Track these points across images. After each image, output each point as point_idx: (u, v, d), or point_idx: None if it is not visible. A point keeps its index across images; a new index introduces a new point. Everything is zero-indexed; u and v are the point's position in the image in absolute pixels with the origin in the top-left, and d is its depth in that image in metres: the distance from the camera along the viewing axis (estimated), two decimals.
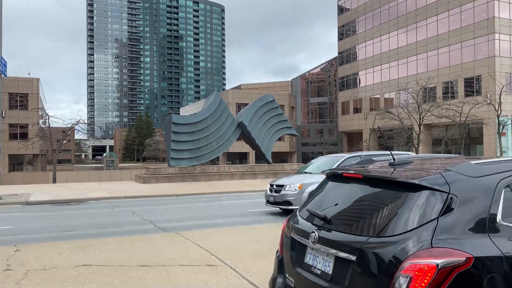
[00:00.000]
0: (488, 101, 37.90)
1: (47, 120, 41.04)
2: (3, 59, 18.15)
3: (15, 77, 50.70)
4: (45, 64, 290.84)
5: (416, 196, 2.54)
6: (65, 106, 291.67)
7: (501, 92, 36.31)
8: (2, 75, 18.08)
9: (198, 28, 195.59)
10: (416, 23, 49.98)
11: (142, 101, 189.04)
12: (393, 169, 3.05)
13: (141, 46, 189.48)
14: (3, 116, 44.37)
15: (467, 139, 43.32)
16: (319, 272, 2.82)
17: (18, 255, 7.06)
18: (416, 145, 37.97)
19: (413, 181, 2.59)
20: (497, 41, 41.72)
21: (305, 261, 3.00)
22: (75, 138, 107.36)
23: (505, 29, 42.00)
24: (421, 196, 2.52)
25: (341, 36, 63.62)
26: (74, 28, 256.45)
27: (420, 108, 37.19)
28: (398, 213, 2.52)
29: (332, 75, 72.56)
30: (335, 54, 66.03)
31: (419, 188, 2.55)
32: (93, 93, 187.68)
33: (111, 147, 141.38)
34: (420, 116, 37.00)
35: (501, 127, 36.83)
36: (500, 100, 36.03)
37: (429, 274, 2.25)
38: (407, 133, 40.82)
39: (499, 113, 36.03)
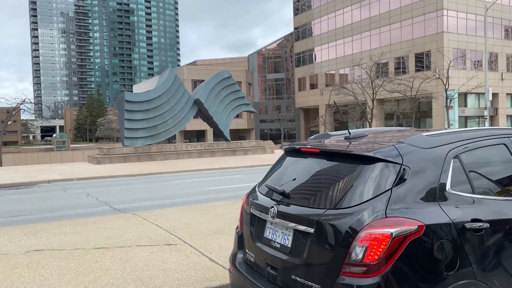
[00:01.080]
0: (437, 76, 39.56)
1: None
2: None
3: None
4: None
5: (370, 168, 2.60)
6: (8, 84, 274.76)
7: (448, 67, 37.97)
8: None
9: (150, 2, 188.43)
10: None
11: (92, 79, 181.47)
12: (348, 142, 3.11)
13: (90, 21, 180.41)
14: None
15: (417, 113, 45.23)
16: (278, 245, 2.86)
17: None
18: (369, 120, 39.20)
19: (368, 154, 2.65)
20: (445, 17, 43.28)
21: (265, 236, 3.03)
22: (21, 118, 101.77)
23: (453, 5, 43.59)
24: (375, 168, 2.59)
25: (296, 11, 63.53)
26: (14, 1, 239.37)
27: (373, 83, 38.24)
28: (354, 185, 2.59)
29: (288, 51, 72.69)
30: (291, 29, 66.06)
31: (373, 160, 2.62)
32: (39, 70, 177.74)
33: (61, 128, 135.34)
34: (373, 91, 38.09)
35: (448, 101, 38.68)
36: (448, 75, 37.70)
37: (384, 243, 2.34)
38: (361, 108, 42.01)
39: (447, 87, 37.75)
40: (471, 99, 46.45)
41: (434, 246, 2.42)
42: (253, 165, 21.69)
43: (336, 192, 2.67)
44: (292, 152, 3.37)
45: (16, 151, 59.84)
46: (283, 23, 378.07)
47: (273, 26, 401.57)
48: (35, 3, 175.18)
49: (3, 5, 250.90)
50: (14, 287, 4.67)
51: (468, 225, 2.55)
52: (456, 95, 41.17)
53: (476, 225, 2.57)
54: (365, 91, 38.40)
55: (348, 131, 3.36)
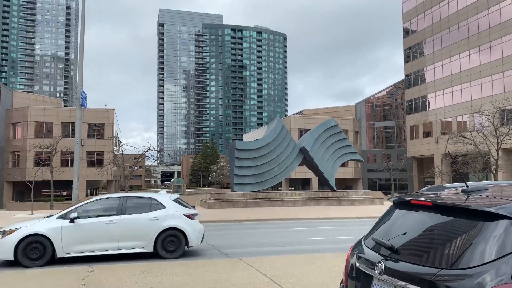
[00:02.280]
0: None
1: (121, 147, 43.73)
2: (84, 92, 19.83)
3: (93, 108, 55.07)
4: (119, 95, 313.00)
5: (493, 226, 2.35)
6: (136, 134, 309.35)
7: None
8: (83, 107, 19.71)
9: (261, 57, 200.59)
10: (489, 42, 47.31)
11: (208, 129, 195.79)
12: (466, 196, 2.87)
13: (207, 77, 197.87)
14: (83, 144, 48.12)
15: None
16: None
17: (92, 276, 7.47)
18: (494, 171, 35.26)
19: (489, 210, 2.40)
20: None
21: None
22: (146, 164, 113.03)
23: None
24: (498, 226, 2.33)
25: (407, 58, 61.84)
26: (145, 61, 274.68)
27: (497, 131, 34.69)
28: (473, 244, 2.35)
29: (399, 98, 70.32)
30: (401, 76, 64.17)
31: (495, 217, 2.37)
32: (163, 121, 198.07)
33: (178, 173, 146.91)
34: (497, 140, 34.46)
35: None
36: None
37: None
38: (483, 159, 38.11)
39: None
40: None
41: None
42: (360, 217, 20.80)
43: (452, 250, 2.44)
44: (401, 205, 3.21)
45: None
46: (392, 71, 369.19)
47: (381, 74, 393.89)
48: (162, 63, 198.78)
49: (137, 67, 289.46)
50: None
51: None
52: None
53: None
54: (487, 139, 34.94)
55: (466, 184, 3.10)
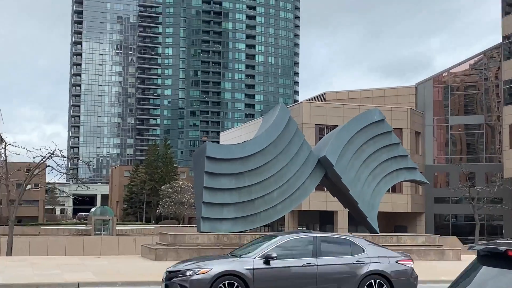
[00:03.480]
0: None
1: (3, 150, 43.37)
2: None
3: None
4: (2, 60, 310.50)
5: None
6: (33, 126, 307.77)
7: None
8: None
9: (255, 0, 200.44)
10: None
11: (158, 121, 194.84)
12: None
13: (160, 30, 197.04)
14: None
15: None
16: None
17: None
18: None
19: None
20: None
21: None
22: (47, 181, 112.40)
23: None
24: None
25: (509, 8, 62.53)
26: (52, 4, 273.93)
27: None
28: None
29: (491, 76, 71.03)
30: (497, 39, 64.78)
31: None
32: (79, 106, 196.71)
33: (104, 198, 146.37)
34: None
35: None
36: None
37: None
38: None
39: None
40: None
41: None
42: (420, 281, 20.89)
43: None
44: (491, 258, 3.22)
45: (34, 233, 65.88)
46: (480, 30, 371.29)
47: (460, 34, 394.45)
48: (81, 3, 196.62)
49: (37, 13, 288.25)
50: None
51: None
52: None
53: None
54: None
55: None
